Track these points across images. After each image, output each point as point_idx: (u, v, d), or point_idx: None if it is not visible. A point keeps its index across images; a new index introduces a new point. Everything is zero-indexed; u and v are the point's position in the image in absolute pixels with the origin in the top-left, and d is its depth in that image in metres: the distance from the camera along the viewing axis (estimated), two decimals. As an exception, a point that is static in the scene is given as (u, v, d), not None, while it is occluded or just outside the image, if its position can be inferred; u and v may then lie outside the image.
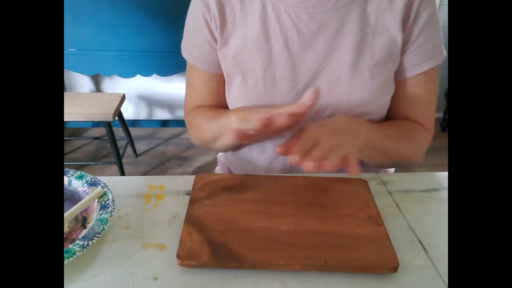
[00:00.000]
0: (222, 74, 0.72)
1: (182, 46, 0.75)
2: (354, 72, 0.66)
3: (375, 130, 0.64)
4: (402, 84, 0.70)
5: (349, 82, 0.66)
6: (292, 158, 0.51)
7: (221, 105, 0.75)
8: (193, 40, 0.72)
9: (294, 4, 0.64)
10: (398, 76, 0.69)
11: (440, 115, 2.66)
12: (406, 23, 0.65)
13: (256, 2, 0.66)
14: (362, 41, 0.65)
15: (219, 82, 0.74)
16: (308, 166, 0.50)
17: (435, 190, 0.65)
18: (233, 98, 0.72)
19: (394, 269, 0.48)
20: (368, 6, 0.65)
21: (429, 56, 0.67)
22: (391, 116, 0.74)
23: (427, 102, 0.72)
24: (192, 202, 0.57)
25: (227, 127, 0.65)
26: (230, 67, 0.70)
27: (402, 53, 0.67)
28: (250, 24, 0.67)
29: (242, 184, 0.61)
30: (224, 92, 0.73)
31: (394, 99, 0.71)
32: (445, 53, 0.69)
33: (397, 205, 0.61)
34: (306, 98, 0.55)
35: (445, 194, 0.64)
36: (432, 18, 0.65)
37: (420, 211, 0.60)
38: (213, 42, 0.70)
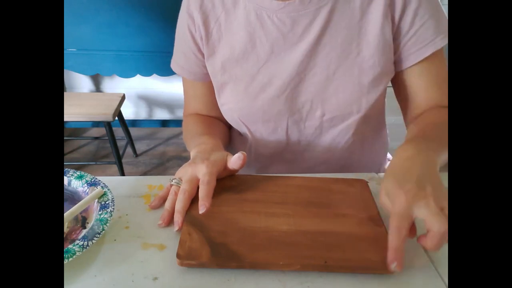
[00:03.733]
0: (210, 82, 0.73)
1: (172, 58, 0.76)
2: (342, 70, 0.65)
3: (437, 149, 0.56)
4: (410, 72, 0.67)
5: (337, 80, 0.66)
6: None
7: (213, 110, 0.76)
8: (180, 50, 0.73)
9: (276, 10, 0.64)
10: (401, 66, 0.67)
11: (440, 115, 2.65)
12: (393, 12, 0.63)
13: (240, 11, 0.66)
14: (348, 38, 0.64)
15: (207, 89, 0.75)
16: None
17: (435, 190, 0.64)
18: (225, 105, 0.72)
19: (394, 269, 0.48)
20: (351, 3, 0.63)
21: (431, 39, 0.64)
22: (420, 104, 0.69)
23: (443, 82, 0.69)
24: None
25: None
26: (219, 76, 0.70)
27: (398, 43, 0.65)
28: (235, 33, 0.67)
29: (242, 184, 0.61)
30: (214, 98, 0.74)
31: (414, 89, 0.68)
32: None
33: (397, 205, 0.60)
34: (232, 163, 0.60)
35: (445, 194, 0.63)
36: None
37: (420, 211, 0.59)
38: (198, 53, 0.70)
